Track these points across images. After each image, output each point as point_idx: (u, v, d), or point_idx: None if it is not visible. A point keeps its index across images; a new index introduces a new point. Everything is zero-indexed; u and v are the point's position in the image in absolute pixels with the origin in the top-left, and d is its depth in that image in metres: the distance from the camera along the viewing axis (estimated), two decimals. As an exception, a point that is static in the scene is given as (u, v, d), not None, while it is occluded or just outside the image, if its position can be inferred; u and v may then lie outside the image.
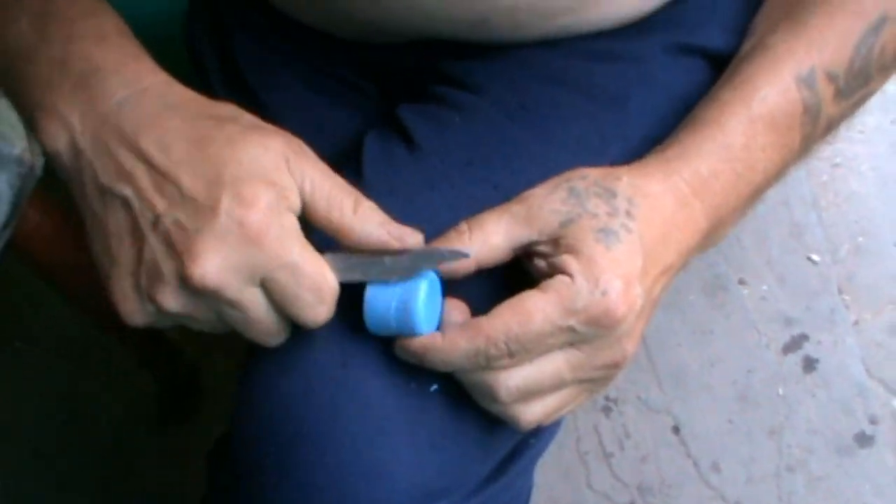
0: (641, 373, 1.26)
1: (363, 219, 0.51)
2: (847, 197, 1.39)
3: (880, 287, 1.32)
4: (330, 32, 0.71)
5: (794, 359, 1.27)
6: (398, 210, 0.54)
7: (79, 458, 1.29)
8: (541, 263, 0.53)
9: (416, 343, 0.52)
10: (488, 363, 0.50)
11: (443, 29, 0.64)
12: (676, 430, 1.24)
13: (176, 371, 1.28)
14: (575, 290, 0.50)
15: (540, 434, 0.65)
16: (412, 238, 0.53)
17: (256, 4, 0.74)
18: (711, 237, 0.57)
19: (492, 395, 0.52)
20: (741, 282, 1.33)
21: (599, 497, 1.22)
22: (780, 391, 1.25)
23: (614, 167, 0.55)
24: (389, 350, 0.55)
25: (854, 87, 0.59)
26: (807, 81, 0.57)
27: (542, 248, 0.53)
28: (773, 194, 1.40)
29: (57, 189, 0.89)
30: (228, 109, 0.54)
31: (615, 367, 0.53)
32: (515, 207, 0.53)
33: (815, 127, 0.58)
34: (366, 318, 0.52)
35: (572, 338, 0.51)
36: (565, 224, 0.52)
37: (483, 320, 0.51)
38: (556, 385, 0.52)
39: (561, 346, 0.51)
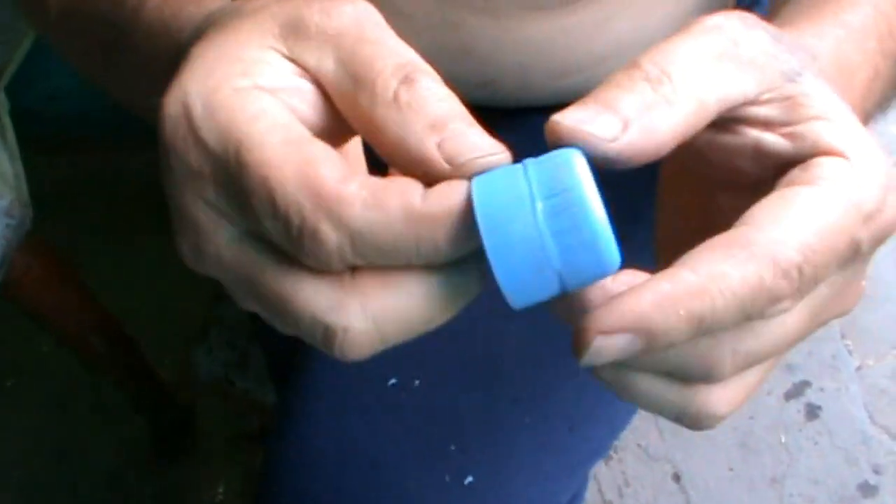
0: (641, 420, 1.24)
1: (406, 108, 0.31)
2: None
3: (884, 332, 1.31)
4: None
5: (797, 406, 1.25)
6: None
7: (69, 500, 1.27)
8: (768, 137, 0.33)
9: (648, 296, 0.29)
10: (764, 310, 0.30)
11: (451, 89, 0.63)
12: (677, 477, 1.22)
13: (169, 413, 1.26)
14: (866, 184, 0.31)
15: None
16: (484, 162, 0.30)
17: None
18: None
19: (704, 371, 0.32)
20: (743, 327, 1.31)
21: (598, 546, 1.20)
22: (782, 439, 1.23)
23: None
24: (422, 444, 0.54)
25: None
26: None
27: (760, 111, 0.33)
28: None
29: (46, 231, 0.88)
30: None
31: (846, 312, 0.35)
32: (714, 39, 0.33)
33: None
34: (487, 244, 0.29)
35: (847, 262, 0.32)
36: (792, 76, 0.33)
37: (751, 232, 0.30)
38: (786, 348, 0.33)
39: None
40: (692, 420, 0.33)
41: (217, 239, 0.31)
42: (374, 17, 0.33)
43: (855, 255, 0.31)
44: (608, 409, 0.62)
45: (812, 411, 1.25)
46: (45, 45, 0.92)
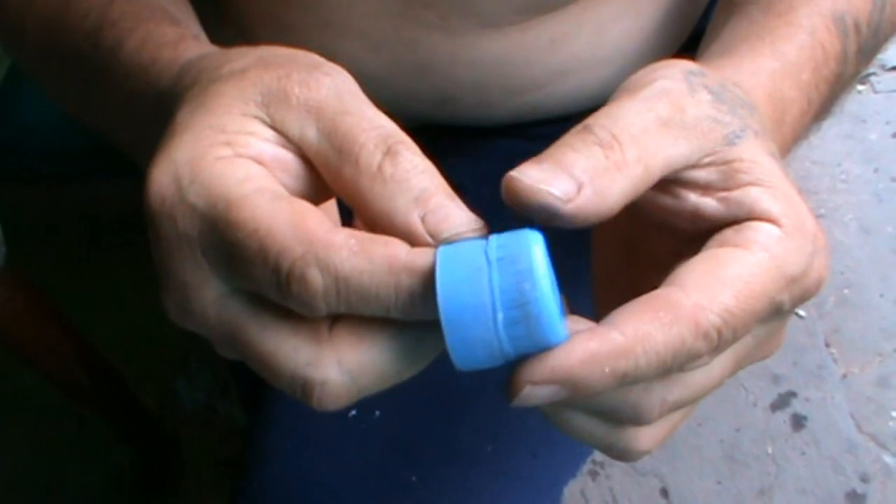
0: (627, 435, 1.23)
1: (391, 182, 0.32)
2: (831, 248, 1.37)
3: (868, 339, 1.31)
4: None
5: (783, 416, 1.25)
6: None
7: (56, 534, 1.26)
8: (706, 203, 0.35)
9: (576, 354, 0.31)
10: (684, 366, 0.32)
11: (410, 108, 0.63)
12: (665, 492, 1.21)
13: (154, 443, 1.25)
14: (792, 249, 0.33)
15: None
16: (464, 237, 0.32)
17: None
18: None
19: (633, 416, 0.34)
20: (726, 338, 1.31)
21: (588, 563, 1.20)
22: (769, 450, 1.23)
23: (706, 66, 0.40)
24: (383, 475, 0.54)
25: (869, 46, 0.50)
26: (840, 24, 0.46)
27: (700, 175, 0.35)
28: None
29: (25, 264, 0.88)
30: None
31: (767, 357, 0.38)
32: (660, 106, 0.34)
33: (838, 84, 0.48)
34: (442, 312, 0.31)
35: (768, 319, 0.34)
36: (732, 140, 0.35)
37: (677, 294, 0.32)
38: (707, 392, 0.36)
39: None
40: (619, 454, 0.36)
41: (202, 297, 0.33)
42: (352, 87, 0.35)
43: (776, 313, 0.34)
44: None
45: (798, 421, 1.25)
46: (17, 80, 0.92)
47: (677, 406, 0.35)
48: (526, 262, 0.30)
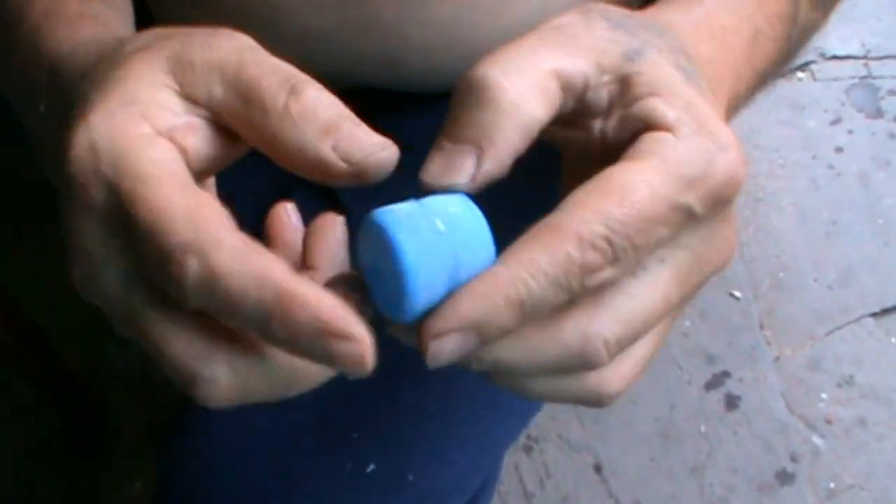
0: (562, 411, 1.24)
1: (298, 117, 0.33)
2: (768, 232, 1.40)
3: (801, 322, 1.33)
4: None
5: (716, 396, 1.27)
6: None
7: (-24, 499, 1.23)
8: (609, 126, 0.36)
9: (465, 297, 0.32)
10: (583, 283, 0.32)
11: (354, 69, 0.62)
12: (598, 468, 1.22)
13: (81, 407, 1.23)
14: (687, 150, 0.33)
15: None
16: (377, 157, 0.33)
17: None
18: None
19: (583, 362, 0.34)
20: (664, 317, 1.32)
21: (520, 537, 1.20)
22: (702, 428, 1.25)
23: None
24: (324, 432, 0.54)
25: None
26: None
27: (602, 96, 0.36)
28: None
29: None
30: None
31: (723, 267, 0.37)
32: (549, 35, 0.36)
33: (794, 26, 0.47)
34: (403, 274, 0.33)
35: (684, 226, 0.34)
36: (631, 56, 0.35)
37: (560, 216, 0.32)
38: (661, 318, 0.35)
39: (668, 246, 0.34)
40: (594, 402, 0.36)
41: (107, 272, 0.33)
42: (252, 44, 0.36)
43: (689, 218, 0.33)
44: (515, 397, 0.62)
45: (731, 401, 1.26)
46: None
47: (626, 340, 0.34)
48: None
